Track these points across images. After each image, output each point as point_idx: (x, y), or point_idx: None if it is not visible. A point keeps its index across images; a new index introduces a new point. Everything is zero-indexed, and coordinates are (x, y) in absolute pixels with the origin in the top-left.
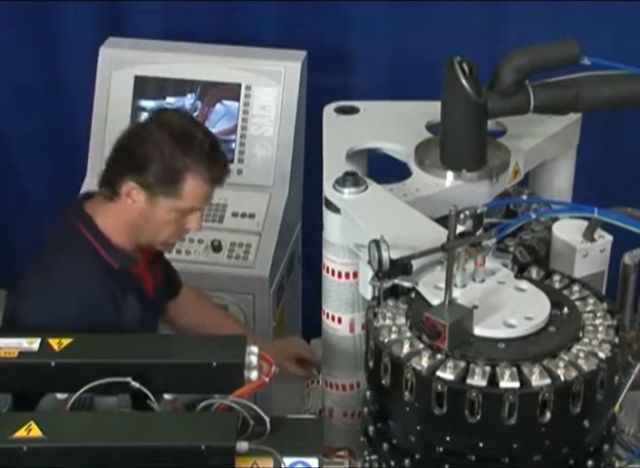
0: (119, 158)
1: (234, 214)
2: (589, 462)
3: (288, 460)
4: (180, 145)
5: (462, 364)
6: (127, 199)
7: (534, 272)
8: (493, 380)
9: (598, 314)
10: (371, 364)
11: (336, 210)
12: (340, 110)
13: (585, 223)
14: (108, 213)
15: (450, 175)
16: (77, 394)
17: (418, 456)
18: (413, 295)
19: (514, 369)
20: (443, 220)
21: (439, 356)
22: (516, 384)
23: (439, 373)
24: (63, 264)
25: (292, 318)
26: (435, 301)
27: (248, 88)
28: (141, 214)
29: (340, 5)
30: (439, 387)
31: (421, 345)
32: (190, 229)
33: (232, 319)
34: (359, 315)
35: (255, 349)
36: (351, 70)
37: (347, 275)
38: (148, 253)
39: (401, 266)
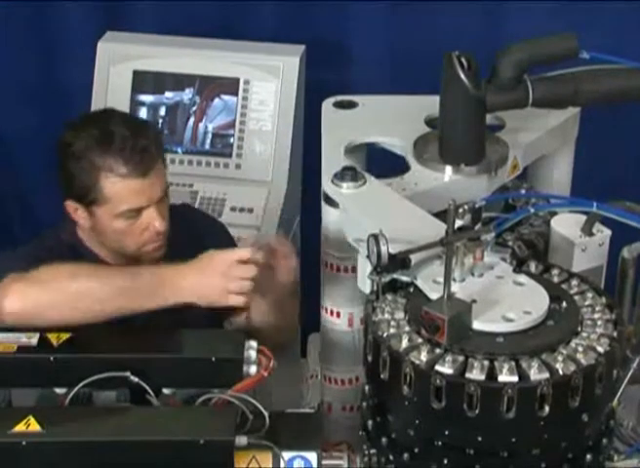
0: (59, 177)
1: (233, 209)
2: (588, 456)
3: (287, 455)
4: (99, 147)
5: (461, 358)
6: (75, 218)
7: (532, 266)
8: (491, 374)
9: (597, 308)
10: (369, 358)
11: (334, 204)
12: (339, 105)
13: (584, 218)
14: (82, 229)
15: (448, 169)
16: (76, 389)
17: (416, 450)
18: (411, 290)
19: (513, 363)
20: (442, 215)
21: (438, 350)
22: (515, 378)
23: (438, 368)
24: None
25: None
26: (434, 296)
27: (246, 82)
28: (96, 231)
29: None
30: (438, 381)
31: (420, 339)
32: (155, 228)
33: None
34: (358, 309)
35: (254, 344)
36: (350, 65)
37: (346, 269)
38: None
39: (400, 261)
